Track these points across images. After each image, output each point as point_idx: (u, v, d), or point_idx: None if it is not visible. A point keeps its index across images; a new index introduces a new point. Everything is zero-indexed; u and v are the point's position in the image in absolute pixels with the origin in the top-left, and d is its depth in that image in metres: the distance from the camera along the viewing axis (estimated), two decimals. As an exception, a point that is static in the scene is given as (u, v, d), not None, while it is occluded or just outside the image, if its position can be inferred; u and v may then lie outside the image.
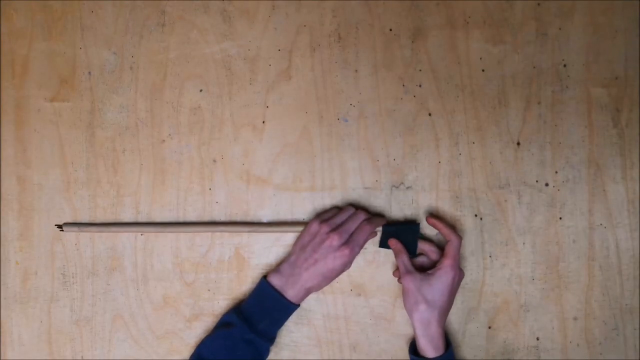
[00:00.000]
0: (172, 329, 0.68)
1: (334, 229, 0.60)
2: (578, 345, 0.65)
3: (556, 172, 0.65)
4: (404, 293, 0.61)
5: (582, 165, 0.65)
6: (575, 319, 0.65)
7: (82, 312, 0.68)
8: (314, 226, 0.61)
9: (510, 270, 0.65)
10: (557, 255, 0.65)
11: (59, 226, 0.67)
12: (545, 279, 0.65)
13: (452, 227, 0.64)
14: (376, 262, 0.66)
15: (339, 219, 0.61)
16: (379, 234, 0.64)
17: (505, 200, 0.65)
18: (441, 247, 0.63)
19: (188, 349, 0.67)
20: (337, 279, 0.66)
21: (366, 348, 0.66)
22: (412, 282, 0.60)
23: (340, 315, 0.67)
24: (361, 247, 0.61)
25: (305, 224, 0.64)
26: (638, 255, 0.65)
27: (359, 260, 0.66)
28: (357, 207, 0.65)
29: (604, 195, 0.65)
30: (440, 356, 0.59)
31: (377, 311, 0.66)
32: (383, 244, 0.63)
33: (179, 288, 0.67)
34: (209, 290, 0.67)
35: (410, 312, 0.61)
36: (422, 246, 0.64)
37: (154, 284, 0.68)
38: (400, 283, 0.62)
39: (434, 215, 0.65)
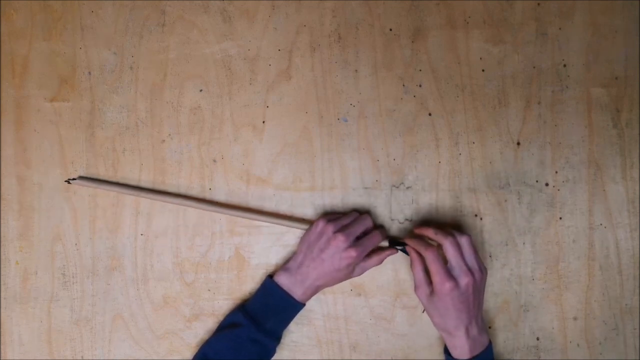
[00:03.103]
0: (172, 329, 0.68)
1: (339, 230, 0.60)
2: (578, 345, 0.65)
3: (556, 172, 0.65)
4: None
5: (582, 165, 0.65)
6: (575, 319, 0.65)
7: (82, 312, 0.68)
8: (320, 225, 0.61)
9: (510, 270, 0.65)
10: (557, 255, 0.65)
11: (68, 181, 0.67)
12: (545, 279, 0.65)
13: (430, 236, 0.59)
14: (376, 262, 0.66)
15: (345, 221, 0.61)
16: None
17: (505, 200, 0.65)
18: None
19: (188, 349, 0.67)
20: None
21: (366, 348, 0.66)
22: (423, 297, 0.58)
23: (340, 315, 0.67)
24: (367, 252, 0.61)
25: (308, 221, 0.64)
26: (638, 255, 0.65)
27: (359, 260, 0.66)
28: (361, 212, 0.65)
29: (604, 195, 0.65)
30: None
31: (377, 311, 0.66)
32: (392, 244, 0.63)
33: (179, 288, 0.67)
34: (209, 290, 0.67)
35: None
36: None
37: (154, 284, 0.67)
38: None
39: (411, 237, 0.61)
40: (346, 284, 0.66)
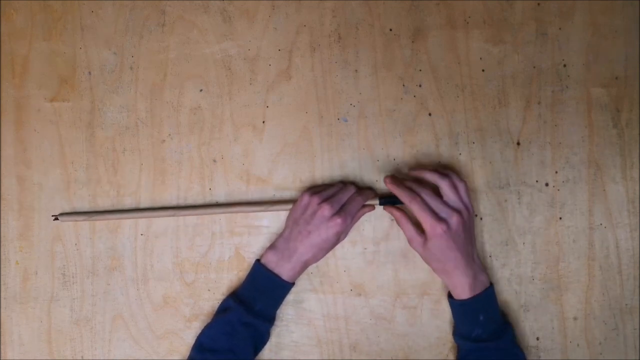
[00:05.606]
0: (172, 329, 0.68)
1: (324, 200, 0.60)
2: (578, 345, 0.65)
3: (556, 172, 0.65)
4: None
5: (582, 165, 0.65)
6: (575, 319, 0.65)
7: (82, 312, 0.68)
8: (305, 199, 0.61)
9: (510, 270, 0.65)
10: (557, 255, 0.65)
11: (55, 217, 0.67)
12: (545, 279, 0.65)
13: (415, 183, 0.60)
14: (376, 262, 0.66)
15: (329, 191, 0.62)
16: (377, 207, 0.64)
17: (505, 200, 0.65)
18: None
19: (188, 349, 0.67)
20: (337, 279, 0.66)
21: (366, 348, 0.66)
22: (418, 247, 0.60)
23: (340, 315, 0.67)
24: (353, 217, 0.61)
25: (295, 200, 0.64)
26: (638, 255, 0.65)
27: (359, 261, 0.66)
28: (346, 182, 0.65)
29: (604, 195, 0.65)
30: (465, 299, 0.59)
31: (377, 311, 0.66)
32: (383, 202, 0.63)
33: (179, 288, 0.67)
34: (209, 290, 0.67)
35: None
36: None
37: (154, 284, 0.68)
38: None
39: (392, 178, 0.62)
40: (346, 283, 0.66)
